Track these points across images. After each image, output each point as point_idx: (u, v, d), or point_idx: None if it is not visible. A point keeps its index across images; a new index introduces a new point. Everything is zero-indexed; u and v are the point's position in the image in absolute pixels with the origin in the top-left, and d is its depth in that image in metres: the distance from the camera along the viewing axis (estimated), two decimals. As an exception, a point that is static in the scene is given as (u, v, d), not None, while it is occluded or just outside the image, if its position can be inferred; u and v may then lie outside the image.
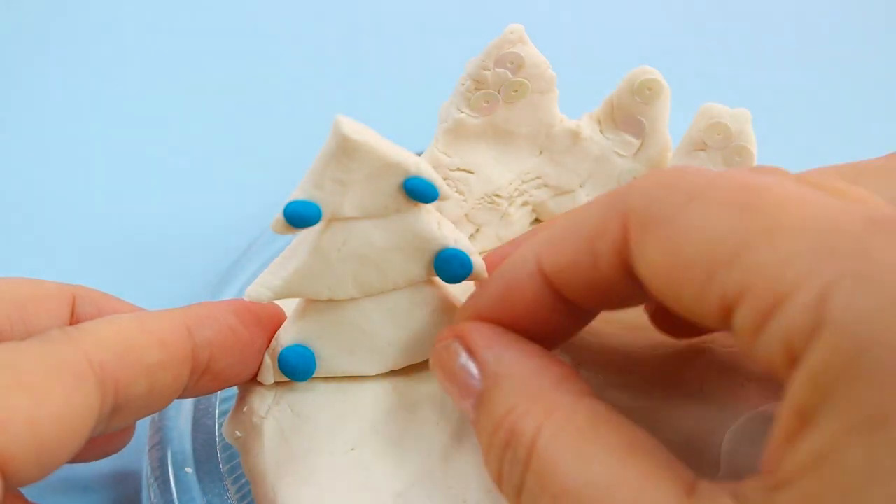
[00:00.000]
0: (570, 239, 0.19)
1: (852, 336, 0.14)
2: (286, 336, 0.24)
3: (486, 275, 0.24)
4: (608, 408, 0.18)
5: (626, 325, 0.25)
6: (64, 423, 0.18)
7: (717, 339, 0.26)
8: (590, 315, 0.21)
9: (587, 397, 0.19)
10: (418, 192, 0.22)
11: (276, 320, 0.24)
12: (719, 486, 0.16)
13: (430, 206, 0.23)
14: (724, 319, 0.16)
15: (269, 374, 0.24)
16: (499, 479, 0.19)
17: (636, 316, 0.24)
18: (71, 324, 0.24)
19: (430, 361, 0.22)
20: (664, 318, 0.23)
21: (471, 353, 0.21)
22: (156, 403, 0.21)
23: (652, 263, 0.17)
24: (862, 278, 0.14)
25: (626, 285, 0.18)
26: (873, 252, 0.14)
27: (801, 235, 0.15)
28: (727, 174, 0.17)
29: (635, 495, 0.16)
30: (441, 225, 0.23)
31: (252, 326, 0.23)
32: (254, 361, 0.23)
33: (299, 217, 0.21)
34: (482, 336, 0.21)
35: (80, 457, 0.20)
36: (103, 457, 0.26)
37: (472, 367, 0.20)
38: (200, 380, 0.22)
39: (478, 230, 0.29)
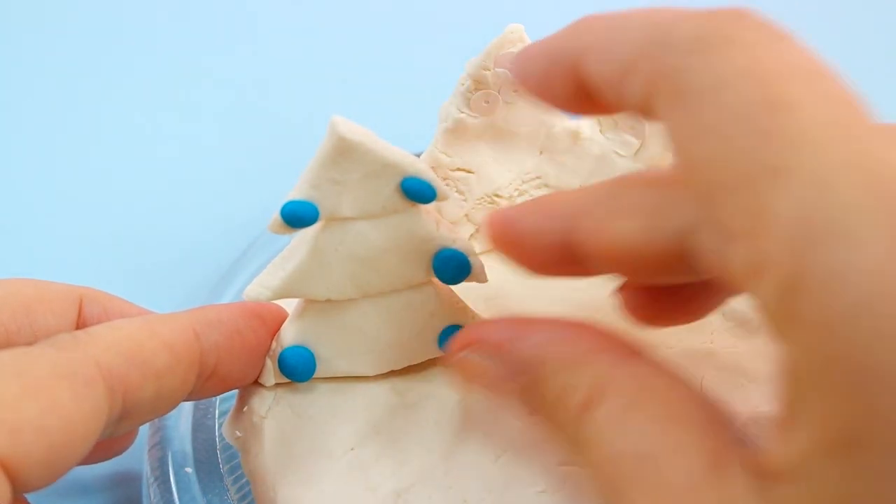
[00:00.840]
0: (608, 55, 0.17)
1: (827, 339, 0.13)
2: (285, 337, 0.24)
3: (485, 276, 0.24)
4: (654, 370, 0.18)
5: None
6: (73, 429, 0.18)
7: (717, 340, 0.26)
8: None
9: (632, 360, 0.18)
10: (416, 192, 0.22)
11: (282, 323, 0.24)
12: (742, 466, 0.15)
13: (428, 207, 0.23)
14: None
15: (270, 375, 0.24)
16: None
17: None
18: (78, 325, 0.24)
19: (457, 375, 0.22)
20: (636, 303, 0.22)
21: (497, 351, 0.20)
22: (163, 407, 0.21)
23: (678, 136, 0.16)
24: (843, 273, 0.12)
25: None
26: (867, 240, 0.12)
27: (811, 178, 0.13)
28: (759, 78, 0.14)
29: (663, 466, 0.16)
30: (439, 226, 0.23)
31: (259, 329, 0.23)
32: (259, 364, 0.23)
33: (296, 217, 0.21)
34: (499, 330, 0.20)
35: (85, 460, 0.20)
36: (107, 459, 0.26)
37: (503, 364, 0.20)
38: (207, 383, 0.22)
39: (478, 230, 0.29)
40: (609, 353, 0.19)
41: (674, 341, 0.26)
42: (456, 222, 0.28)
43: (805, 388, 0.13)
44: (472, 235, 0.29)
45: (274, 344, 0.24)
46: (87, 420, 0.18)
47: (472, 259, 0.23)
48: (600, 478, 0.17)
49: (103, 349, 0.19)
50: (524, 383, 0.20)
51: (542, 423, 0.20)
